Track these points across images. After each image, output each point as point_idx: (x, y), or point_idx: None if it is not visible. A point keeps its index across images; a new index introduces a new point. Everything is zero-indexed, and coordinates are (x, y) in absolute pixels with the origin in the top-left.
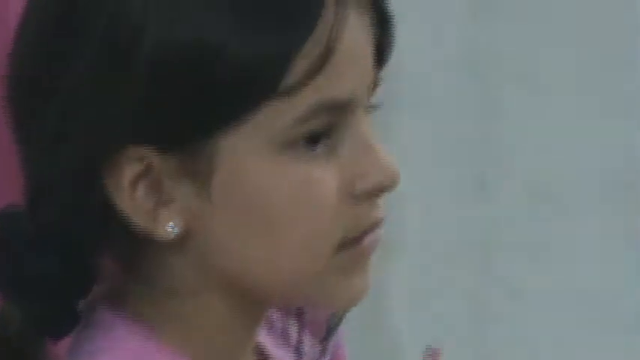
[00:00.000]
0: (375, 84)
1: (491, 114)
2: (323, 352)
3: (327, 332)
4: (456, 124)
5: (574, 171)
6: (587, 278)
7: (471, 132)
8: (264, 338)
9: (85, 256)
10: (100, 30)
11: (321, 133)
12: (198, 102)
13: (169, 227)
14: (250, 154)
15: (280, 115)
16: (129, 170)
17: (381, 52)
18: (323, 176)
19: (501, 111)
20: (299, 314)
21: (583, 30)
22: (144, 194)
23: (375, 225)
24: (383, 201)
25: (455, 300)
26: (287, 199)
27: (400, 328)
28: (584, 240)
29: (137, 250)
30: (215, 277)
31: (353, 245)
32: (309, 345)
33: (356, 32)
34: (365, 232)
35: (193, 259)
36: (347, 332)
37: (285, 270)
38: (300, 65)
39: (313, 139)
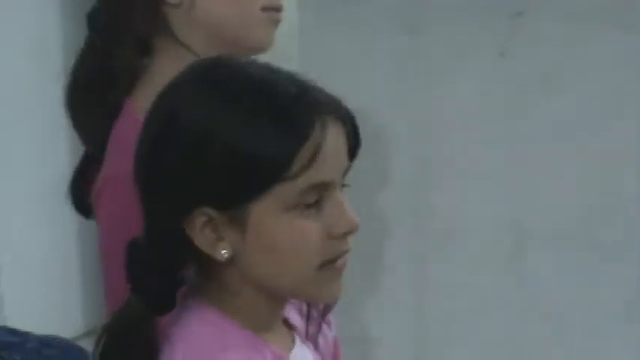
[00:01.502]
0: (347, 170)
1: None
2: (322, 317)
3: (323, 309)
4: None
5: None
6: None
7: None
8: (291, 314)
9: (178, 269)
10: (191, 144)
11: (313, 201)
12: (239, 184)
13: (223, 253)
14: (269, 213)
15: (287, 191)
16: (199, 221)
17: (352, 149)
18: (312, 226)
19: None
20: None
21: None
22: (208, 234)
23: (343, 253)
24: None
25: None
26: (289, 241)
27: None
28: None
29: (209, 265)
30: (250, 281)
31: (330, 265)
32: (314, 316)
33: (333, 139)
34: (338, 257)
35: (237, 272)
36: None
37: (287, 280)
38: (298, 162)
39: (307, 205)
